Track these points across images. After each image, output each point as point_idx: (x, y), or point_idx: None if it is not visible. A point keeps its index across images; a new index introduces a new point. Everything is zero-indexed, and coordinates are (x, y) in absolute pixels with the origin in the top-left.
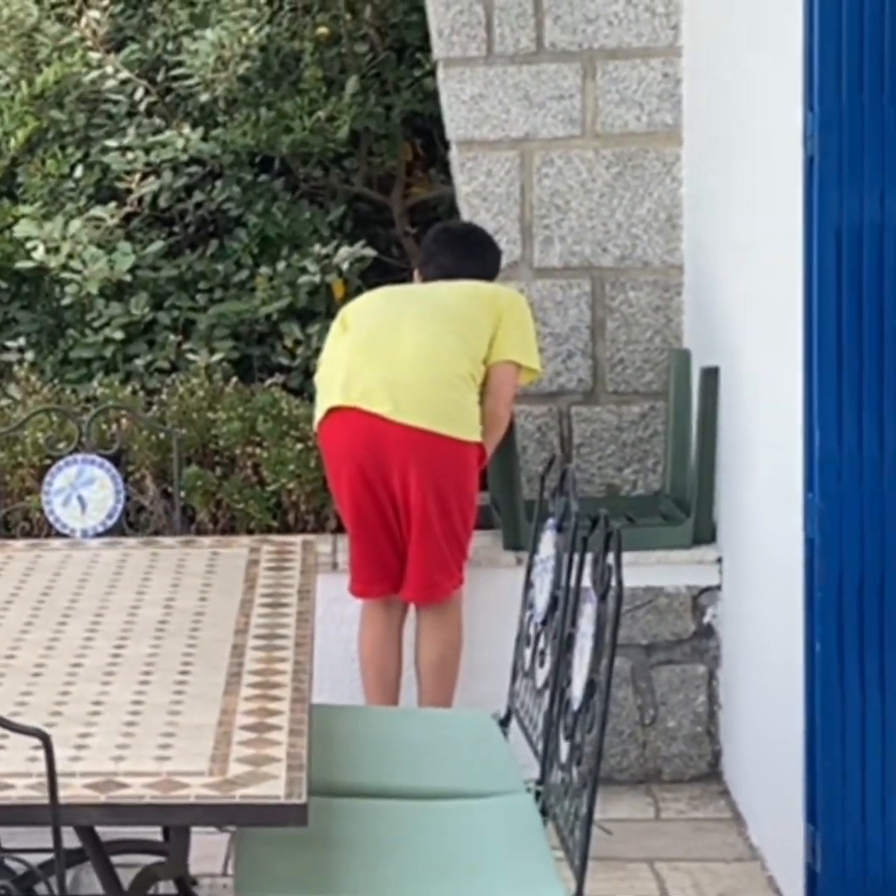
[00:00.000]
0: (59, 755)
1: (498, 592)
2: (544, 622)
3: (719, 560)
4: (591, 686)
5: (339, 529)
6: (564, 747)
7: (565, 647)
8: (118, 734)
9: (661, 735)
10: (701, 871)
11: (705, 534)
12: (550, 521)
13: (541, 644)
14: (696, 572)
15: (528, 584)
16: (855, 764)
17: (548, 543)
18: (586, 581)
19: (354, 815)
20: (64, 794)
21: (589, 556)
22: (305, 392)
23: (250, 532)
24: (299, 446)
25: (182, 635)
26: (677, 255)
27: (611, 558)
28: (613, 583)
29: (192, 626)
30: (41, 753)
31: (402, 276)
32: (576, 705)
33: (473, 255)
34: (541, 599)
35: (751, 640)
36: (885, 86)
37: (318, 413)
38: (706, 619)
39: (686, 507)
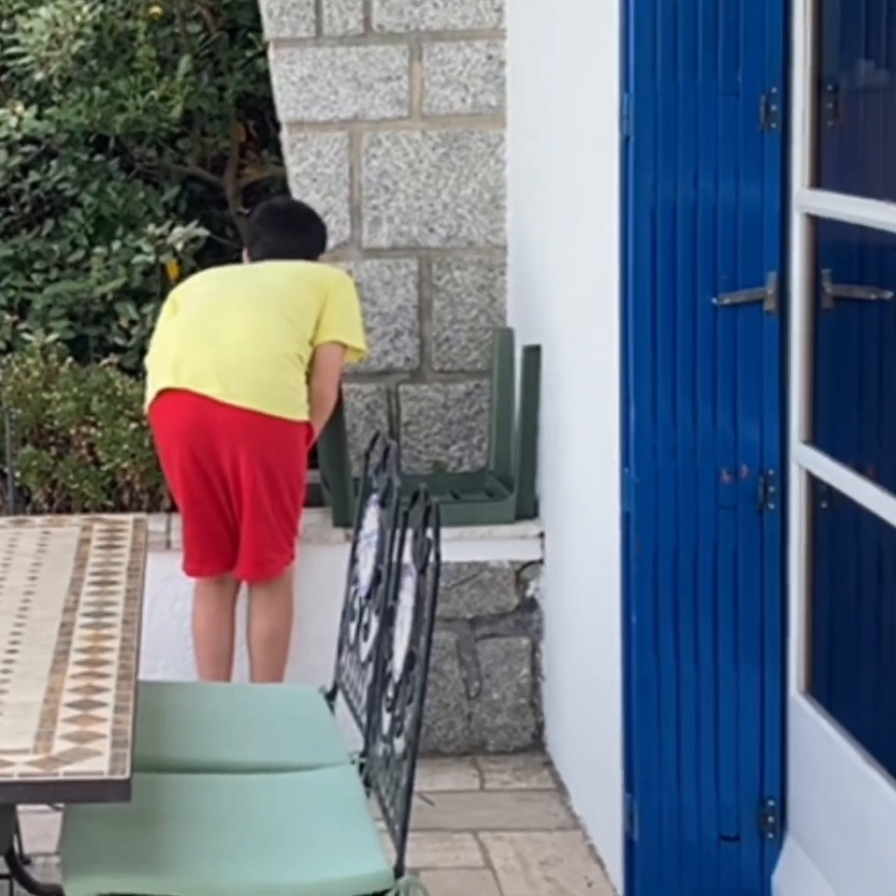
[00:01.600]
0: None
1: (327, 569)
2: (368, 596)
3: (541, 535)
4: (410, 658)
5: (174, 508)
6: (386, 719)
7: (387, 620)
8: None
9: (485, 707)
10: (524, 840)
11: (528, 509)
12: (374, 497)
13: (365, 618)
14: (519, 547)
15: (353, 559)
16: (670, 733)
17: (372, 519)
18: (408, 555)
19: (182, 790)
20: None
21: (410, 532)
22: (141, 372)
23: (85, 511)
24: (134, 426)
25: (10, 614)
26: (501, 235)
27: (430, 532)
28: (432, 557)
29: (21, 605)
30: None
31: (236, 257)
32: (396, 678)
33: (297, 232)
34: (365, 574)
35: (571, 613)
36: (699, 67)
37: (149, 394)
38: (529, 593)
39: (509, 483)
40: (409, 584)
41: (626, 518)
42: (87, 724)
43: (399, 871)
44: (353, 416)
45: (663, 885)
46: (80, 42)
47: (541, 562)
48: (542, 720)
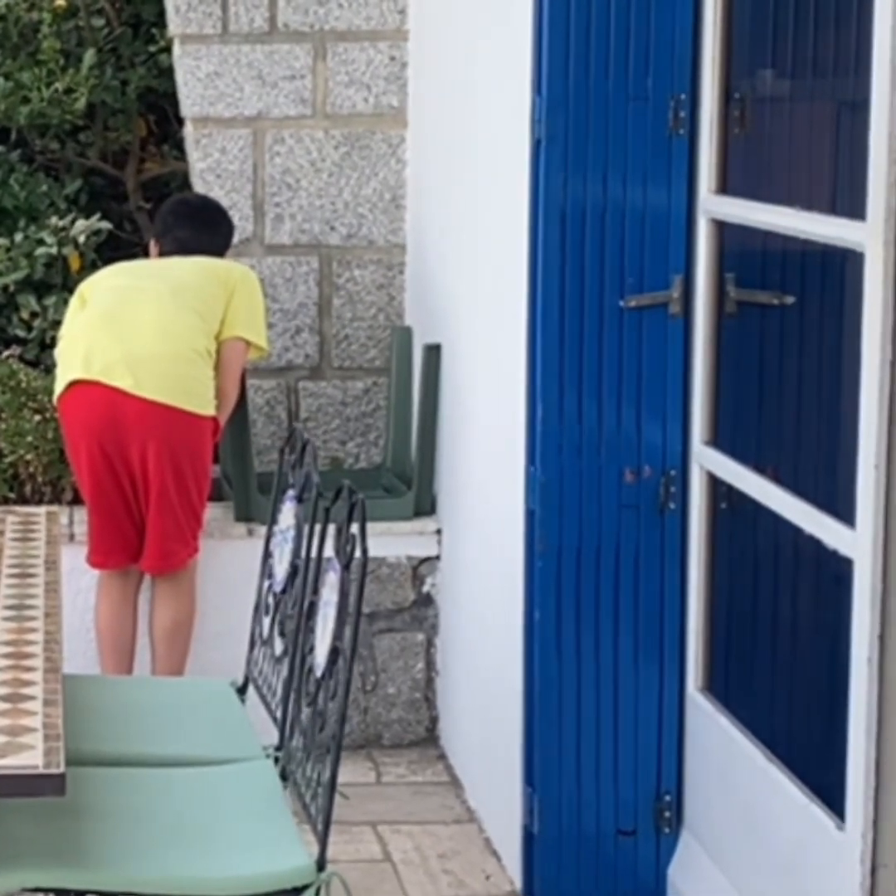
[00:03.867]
0: None
1: (229, 563)
2: (284, 591)
3: (439, 531)
4: (334, 653)
5: (76, 501)
6: (306, 713)
7: (307, 615)
8: None
9: (381, 701)
10: (422, 833)
11: (426, 506)
12: (290, 493)
13: (280, 613)
14: (417, 543)
15: (267, 554)
16: (570, 728)
17: (288, 514)
18: (329, 551)
19: (102, 784)
20: None
21: (331, 527)
22: (42, 364)
23: None
24: (37, 418)
25: None
26: (401, 234)
27: (355, 528)
28: (358, 552)
29: None
30: None
31: (136, 250)
32: (319, 672)
33: (209, 228)
34: (280, 569)
35: (468, 609)
36: (611, 71)
37: (59, 386)
38: (425, 589)
39: (407, 479)
40: (331, 579)
41: (530, 516)
42: (17, 718)
43: (321, 864)
44: (254, 412)
45: (561, 878)
46: None
47: (438, 558)
48: (436, 714)
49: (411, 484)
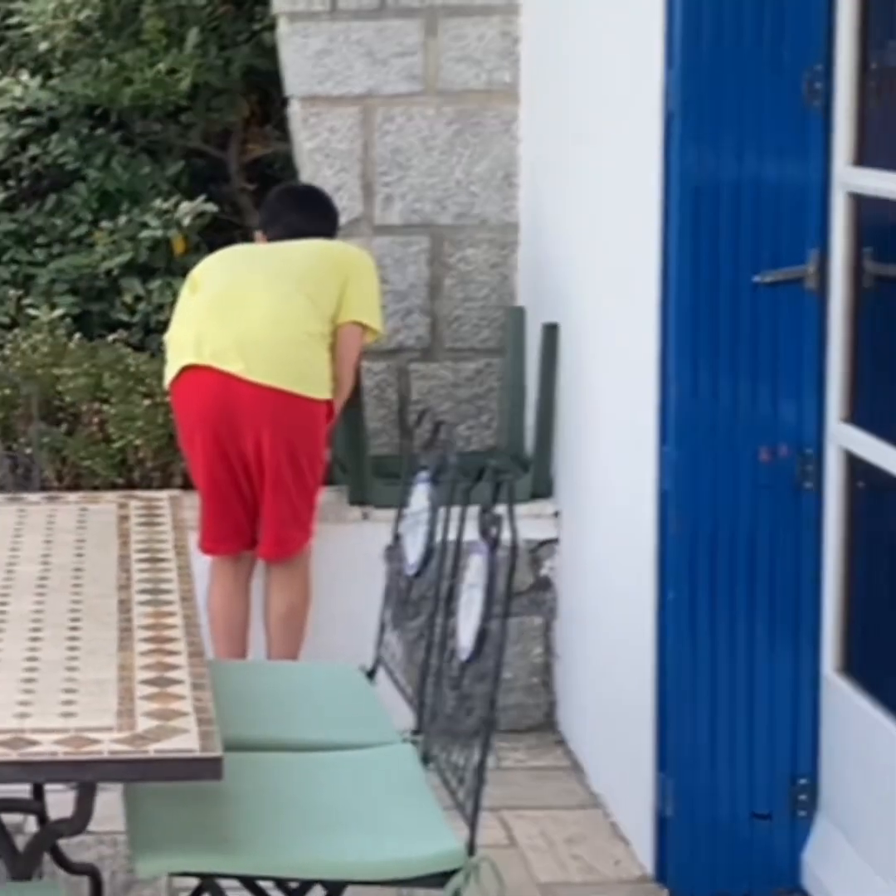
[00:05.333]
0: None
1: (343, 547)
2: (418, 574)
3: (557, 514)
4: (482, 636)
5: (186, 486)
6: (451, 697)
7: (447, 599)
8: (17, 691)
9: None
10: (546, 818)
11: (543, 488)
12: (423, 475)
13: (414, 596)
14: (534, 526)
15: (396, 537)
16: (704, 710)
17: (421, 496)
18: (468, 533)
19: (245, 769)
20: None
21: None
22: (146, 348)
23: (96, 489)
24: (146, 402)
25: (65, 592)
26: (514, 212)
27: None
28: (508, 532)
29: (73, 582)
30: None
31: (239, 233)
32: (464, 655)
33: (318, 213)
34: (413, 552)
35: (591, 592)
36: (744, 42)
37: (170, 372)
38: (543, 572)
39: (522, 462)
40: (476, 562)
41: (663, 496)
42: (166, 702)
43: (471, 848)
44: (364, 395)
45: (695, 863)
46: (86, 12)
47: (556, 540)
48: (555, 699)
49: (527, 466)
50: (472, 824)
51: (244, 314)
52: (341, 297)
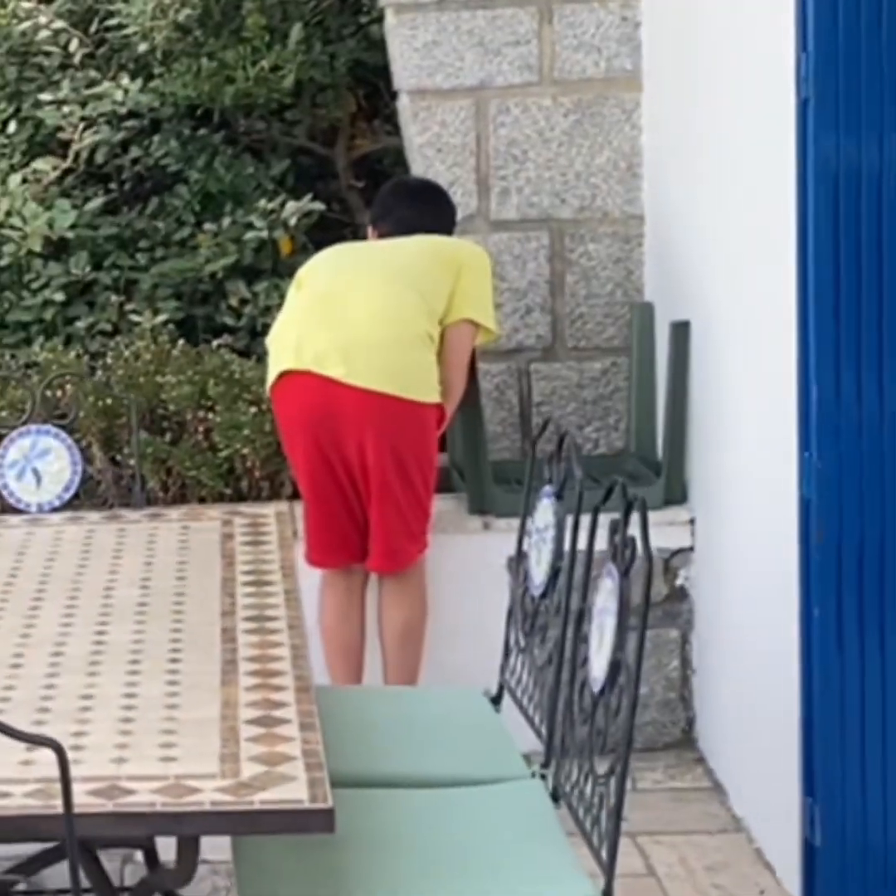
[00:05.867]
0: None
1: (463, 559)
2: (544, 595)
3: (692, 521)
4: (615, 667)
5: (296, 496)
6: (582, 731)
7: (576, 623)
8: (114, 732)
9: None
10: (685, 843)
11: (677, 494)
12: (547, 489)
13: (540, 619)
14: (668, 534)
15: (520, 555)
16: (854, 734)
17: (545, 512)
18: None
19: (356, 805)
20: None
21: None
22: (252, 353)
23: (202, 500)
24: (253, 410)
25: (165, 618)
26: (638, 204)
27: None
28: (640, 556)
29: (174, 608)
30: (34, 755)
31: (347, 231)
32: (597, 687)
33: (432, 208)
34: (539, 572)
35: (729, 603)
36: (883, 23)
37: (270, 376)
38: (679, 582)
39: (653, 466)
40: (608, 585)
41: (805, 505)
42: (272, 744)
43: (608, 895)
44: (483, 397)
45: (846, 893)
46: (186, 11)
47: (691, 549)
48: (693, 715)
49: (659, 470)
50: (610, 870)
51: (347, 315)
52: (452, 295)
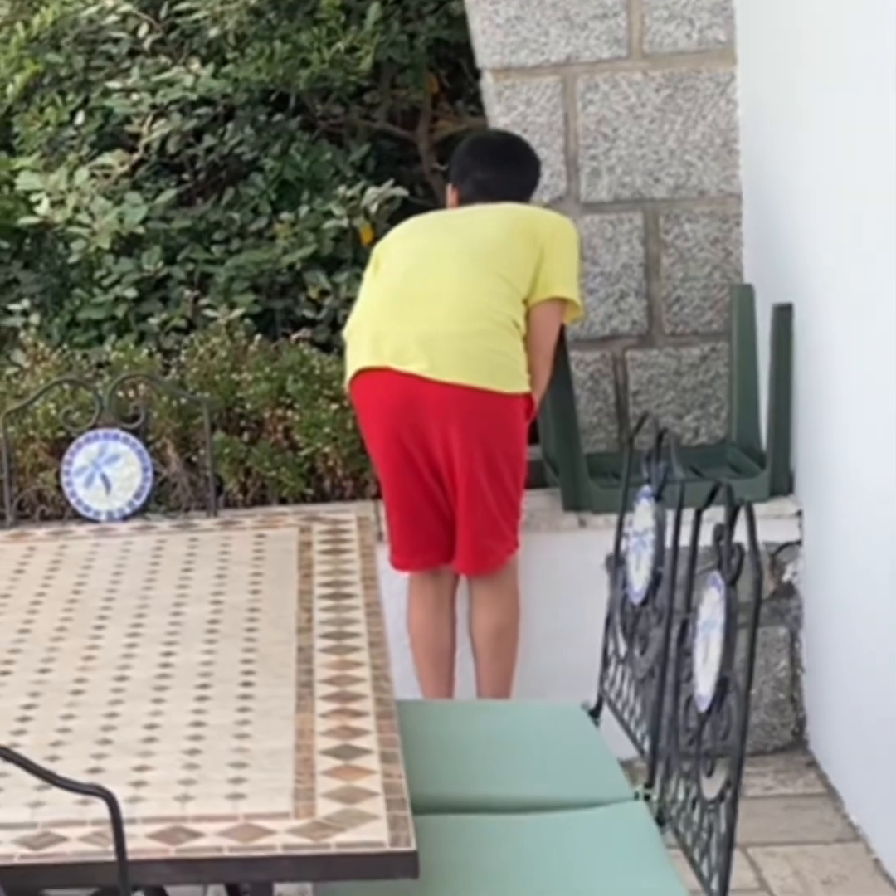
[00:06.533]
0: (115, 795)
1: (558, 558)
2: (644, 603)
3: (799, 513)
4: (722, 686)
5: (381, 495)
6: (689, 752)
7: (679, 633)
8: (180, 766)
9: None
10: (799, 855)
11: (782, 485)
12: (646, 489)
13: (641, 627)
14: (775, 527)
15: (619, 560)
16: None
17: (645, 514)
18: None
19: (442, 834)
20: (128, 847)
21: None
22: (333, 347)
23: (283, 501)
24: (334, 407)
25: (237, 638)
26: (735, 182)
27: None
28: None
29: (247, 625)
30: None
31: None
32: (703, 706)
33: (512, 167)
34: (638, 577)
35: (842, 599)
36: None
37: (349, 372)
38: (786, 578)
39: (757, 456)
40: (713, 596)
41: None
42: (351, 778)
43: None
44: (576, 387)
45: None
46: None
47: (799, 543)
48: (804, 716)
49: (763, 461)
50: None
51: (427, 304)
52: (537, 273)
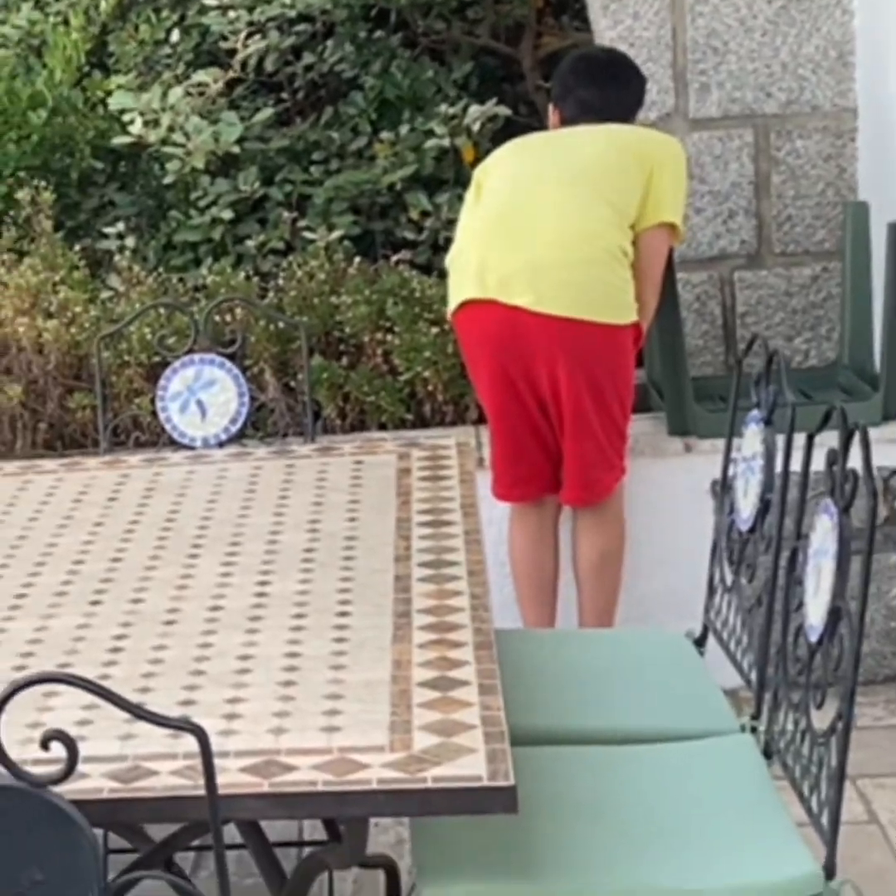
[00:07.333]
0: (207, 728)
1: (663, 483)
2: (752, 530)
3: None
4: (835, 614)
5: (482, 420)
6: (799, 683)
7: (789, 561)
8: (273, 698)
9: None
10: None
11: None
12: (755, 413)
13: (748, 554)
14: (888, 452)
15: (724, 486)
16: None
17: (753, 438)
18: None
19: (548, 768)
20: (219, 782)
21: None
22: (434, 269)
23: (382, 426)
24: (434, 330)
25: (334, 566)
26: (850, 96)
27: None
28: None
29: (344, 554)
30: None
31: None
32: (814, 636)
33: (616, 86)
34: (746, 504)
35: None
36: None
37: (452, 302)
38: None
39: (869, 379)
40: (825, 523)
41: None
42: (448, 710)
43: (830, 871)
44: (683, 309)
45: None
46: None
47: None
48: None
49: (876, 384)
50: (832, 841)
51: (533, 234)
52: (645, 198)
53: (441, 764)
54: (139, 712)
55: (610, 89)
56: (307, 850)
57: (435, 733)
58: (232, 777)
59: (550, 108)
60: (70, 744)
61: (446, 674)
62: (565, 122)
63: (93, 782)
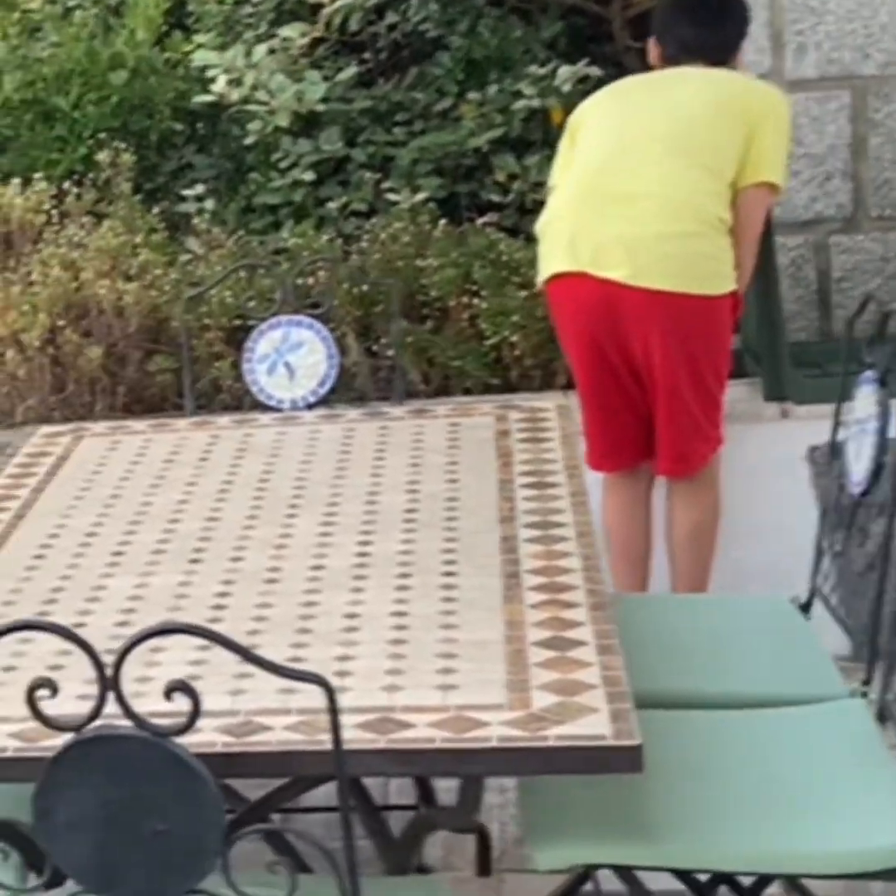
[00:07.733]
0: None
1: (759, 450)
2: (865, 494)
3: None
4: None
5: (571, 385)
6: None
7: None
8: (384, 656)
9: None
10: None
11: None
12: (868, 375)
13: (861, 519)
14: None
15: (834, 449)
16: None
17: (866, 400)
18: None
19: (659, 731)
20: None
21: None
22: (521, 232)
23: (467, 391)
24: (522, 294)
25: (436, 527)
26: None
27: None
28: None
29: (446, 515)
30: (296, 683)
31: None
32: None
33: (716, 23)
34: (859, 468)
35: None
36: None
37: (543, 272)
38: None
39: None
40: None
41: None
42: (567, 670)
43: None
44: (778, 273)
45: None
46: None
47: None
48: None
49: None
50: None
51: (628, 202)
52: (746, 154)
53: (563, 723)
54: (270, 666)
55: (706, 27)
56: (394, 815)
57: (554, 692)
58: (349, 733)
59: (650, 42)
60: (192, 694)
61: (561, 634)
62: (665, 60)
63: (206, 736)
